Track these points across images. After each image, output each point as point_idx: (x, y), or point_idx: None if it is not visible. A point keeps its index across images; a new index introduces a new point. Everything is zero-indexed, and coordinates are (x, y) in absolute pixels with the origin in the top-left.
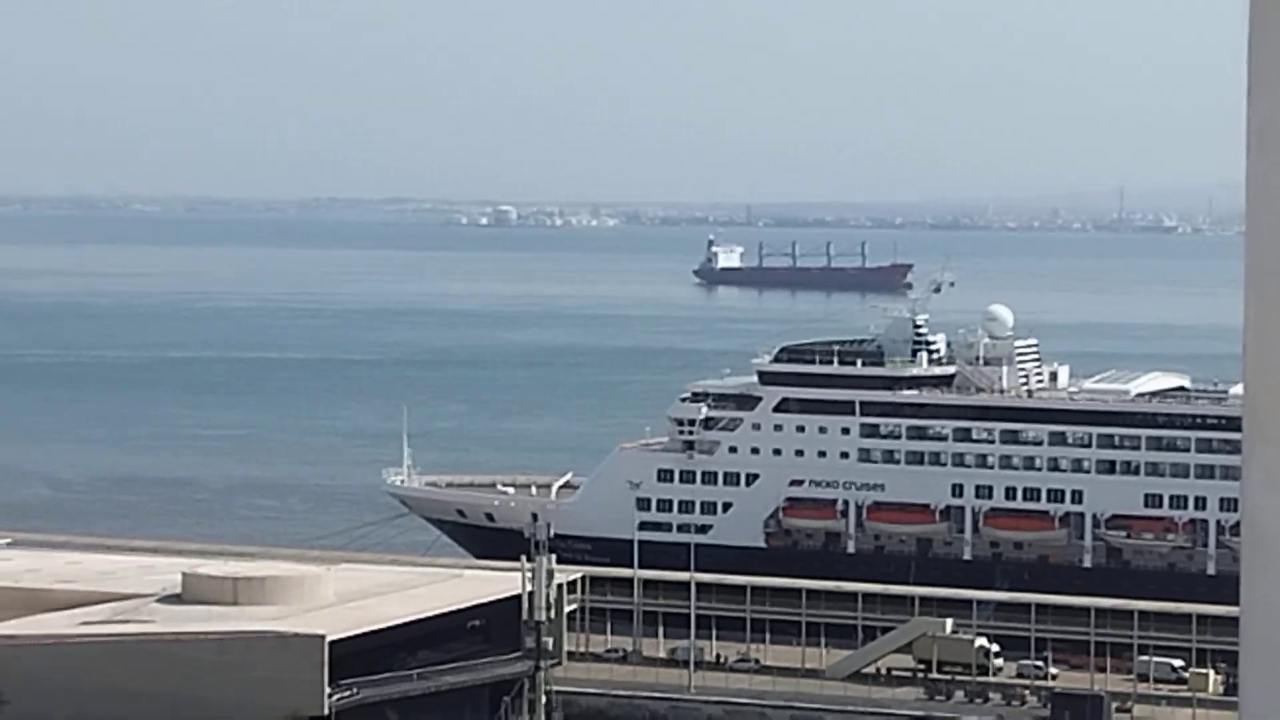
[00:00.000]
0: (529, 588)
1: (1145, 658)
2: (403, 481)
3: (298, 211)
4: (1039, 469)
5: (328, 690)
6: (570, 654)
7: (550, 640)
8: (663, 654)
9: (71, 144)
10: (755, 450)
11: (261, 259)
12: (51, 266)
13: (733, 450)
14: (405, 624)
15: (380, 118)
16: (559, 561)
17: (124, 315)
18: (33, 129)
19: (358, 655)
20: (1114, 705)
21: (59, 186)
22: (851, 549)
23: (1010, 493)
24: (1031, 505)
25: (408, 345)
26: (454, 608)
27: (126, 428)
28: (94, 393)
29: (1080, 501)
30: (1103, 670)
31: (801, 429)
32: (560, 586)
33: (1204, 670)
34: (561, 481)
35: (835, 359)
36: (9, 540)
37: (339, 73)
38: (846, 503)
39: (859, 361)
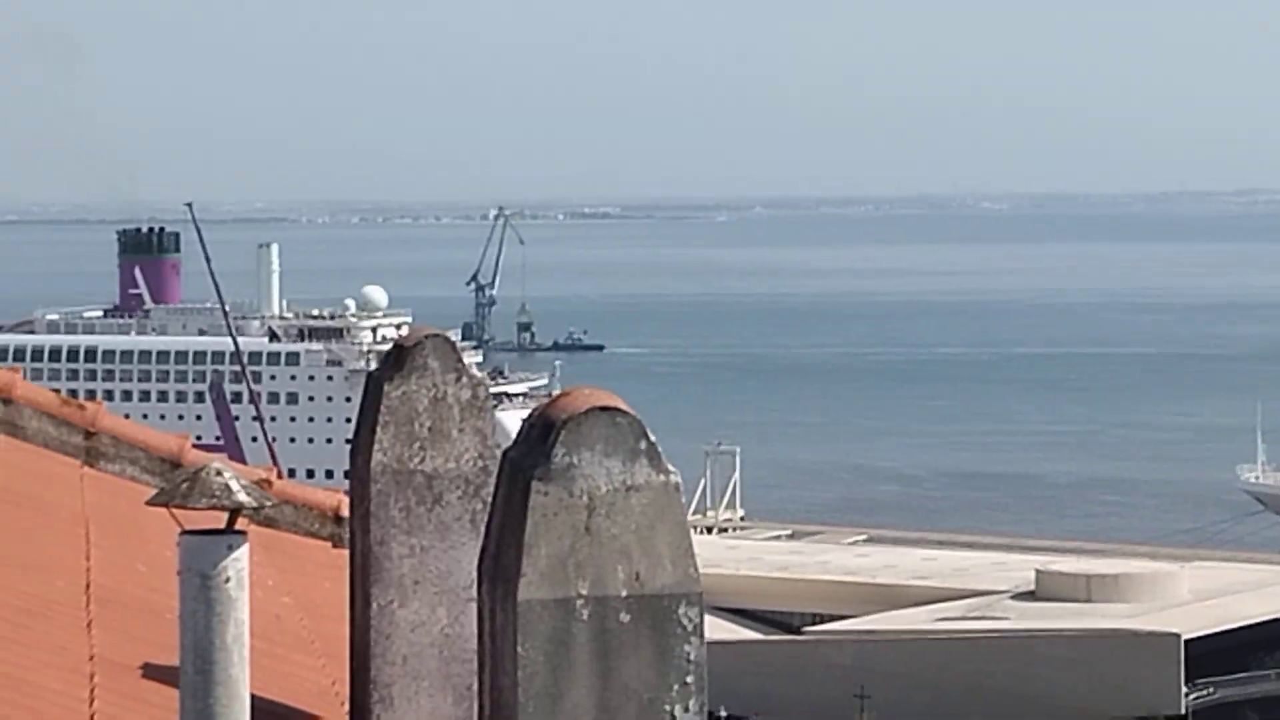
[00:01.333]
0: None
1: None
2: (1257, 478)
3: (1144, 205)
4: None
5: (1184, 689)
6: None
7: None
8: None
9: (919, 147)
10: None
11: (1105, 254)
12: (900, 266)
13: None
14: (1263, 623)
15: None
16: None
17: (970, 313)
18: (879, 134)
19: (1213, 654)
20: None
21: (908, 186)
22: None
23: None
24: None
25: (1257, 339)
26: None
27: (971, 424)
28: (939, 390)
29: None
30: None
31: None
32: None
33: None
34: None
35: None
36: (864, 537)
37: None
38: None
39: None
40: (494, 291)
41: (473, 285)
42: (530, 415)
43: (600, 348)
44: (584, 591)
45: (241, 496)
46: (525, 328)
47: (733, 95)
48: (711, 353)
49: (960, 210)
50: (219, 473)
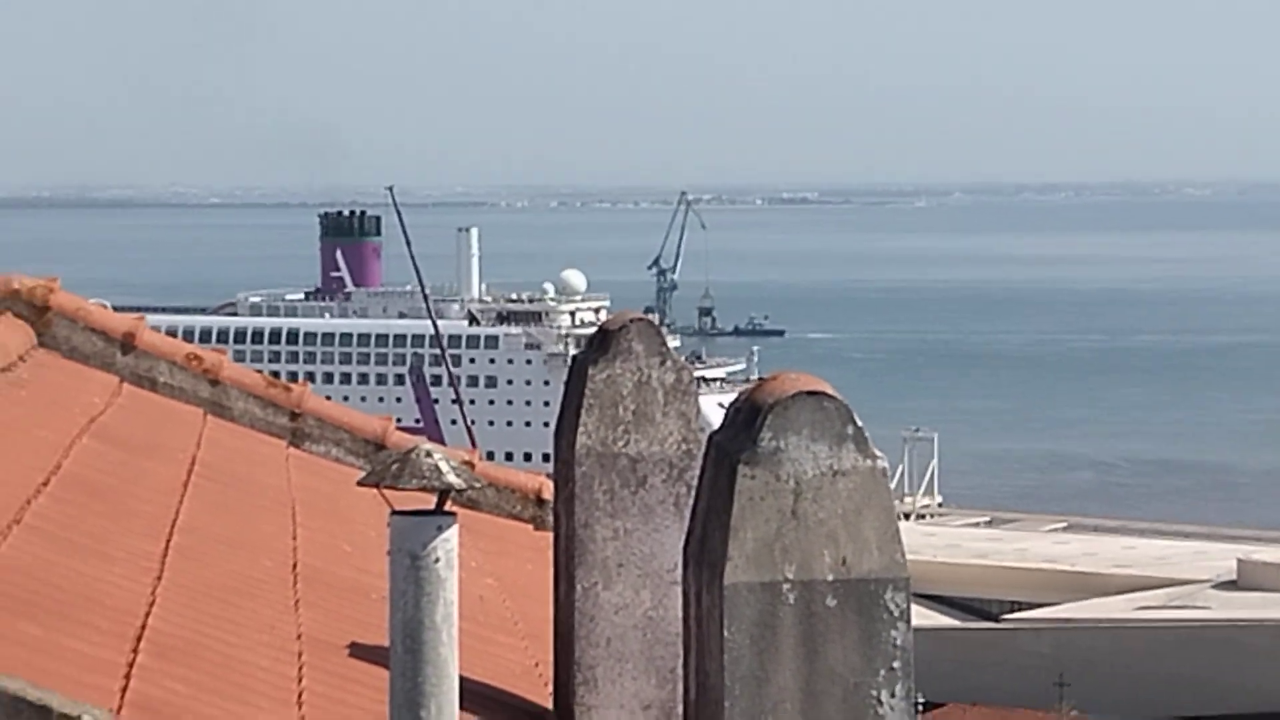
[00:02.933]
0: None
1: None
2: None
3: None
4: None
5: None
6: None
7: None
8: None
9: (1123, 133)
10: None
11: None
12: (1100, 253)
13: None
14: None
15: None
16: None
17: (1170, 301)
18: (1082, 120)
19: None
20: None
21: (1110, 173)
22: None
23: None
24: None
25: None
26: None
27: (1171, 412)
28: (1138, 378)
29: None
30: None
31: None
32: None
33: None
34: None
35: None
36: (1065, 525)
37: None
38: None
39: None
40: (675, 276)
41: (654, 269)
42: (736, 399)
43: (781, 333)
44: (790, 576)
45: (451, 478)
46: (706, 312)
47: (936, 82)
48: (907, 339)
49: (1162, 197)
50: (428, 454)
